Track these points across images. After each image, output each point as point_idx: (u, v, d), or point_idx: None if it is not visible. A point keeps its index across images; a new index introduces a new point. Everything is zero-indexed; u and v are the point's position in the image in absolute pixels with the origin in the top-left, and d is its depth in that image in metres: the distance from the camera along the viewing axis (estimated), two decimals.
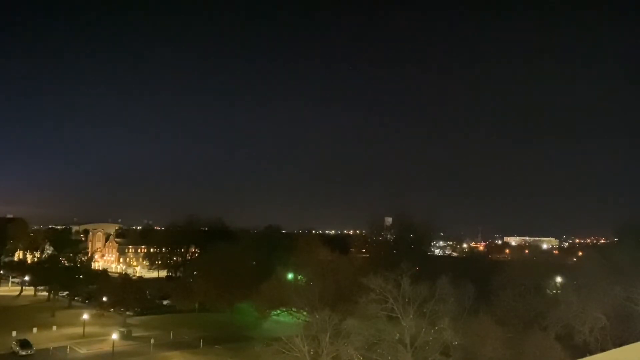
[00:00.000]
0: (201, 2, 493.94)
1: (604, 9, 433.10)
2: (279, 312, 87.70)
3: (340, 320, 52.93)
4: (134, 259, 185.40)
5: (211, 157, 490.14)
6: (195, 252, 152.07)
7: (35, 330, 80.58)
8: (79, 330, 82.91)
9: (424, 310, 52.16)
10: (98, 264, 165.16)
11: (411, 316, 51.35)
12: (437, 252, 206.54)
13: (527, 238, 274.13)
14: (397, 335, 51.40)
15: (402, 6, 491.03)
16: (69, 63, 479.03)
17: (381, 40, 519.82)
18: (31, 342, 71.99)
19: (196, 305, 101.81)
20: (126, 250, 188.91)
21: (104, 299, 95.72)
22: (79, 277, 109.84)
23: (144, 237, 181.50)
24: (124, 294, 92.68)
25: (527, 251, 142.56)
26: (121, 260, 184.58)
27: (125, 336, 79.63)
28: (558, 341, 55.45)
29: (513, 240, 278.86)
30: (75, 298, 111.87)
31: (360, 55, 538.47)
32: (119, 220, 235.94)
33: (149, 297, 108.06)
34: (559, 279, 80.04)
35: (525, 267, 78.59)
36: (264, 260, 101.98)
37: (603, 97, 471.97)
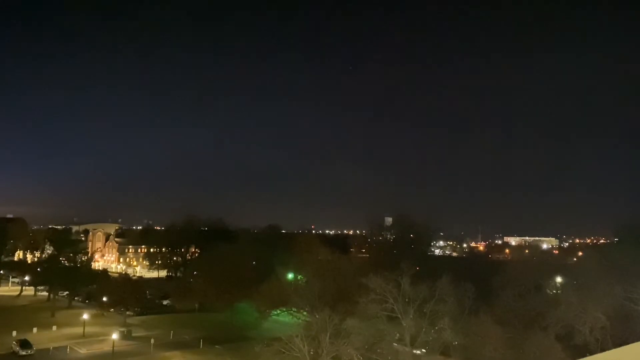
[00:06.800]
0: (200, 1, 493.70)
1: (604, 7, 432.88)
2: (279, 312, 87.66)
3: (340, 320, 52.84)
4: (134, 259, 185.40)
5: (211, 157, 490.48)
6: (195, 252, 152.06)
7: (35, 330, 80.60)
8: (79, 330, 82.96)
9: (424, 310, 52.17)
10: (98, 264, 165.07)
11: (411, 316, 51.39)
12: (437, 252, 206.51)
13: (527, 238, 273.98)
14: (397, 335, 51.40)
15: (403, 6, 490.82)
16: (69, 63, 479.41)
17: (381, 40, 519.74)
18: (31, 342, 72.00)
19: (196, 305, 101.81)
20: (126, 250, 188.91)
21: (104, 299, 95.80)
22: (79, 277, 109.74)
23: (144, 237, 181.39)
24: (124, 294, 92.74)
25: (527, 251, 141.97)
26: (121, 260, 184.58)
27: (125, 336, 79.65)
28: (558, 341, 55.30)
29: (513, 240, 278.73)
30: (75, 298, 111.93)
31: (361, 55, 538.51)
32: (119, 220, 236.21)
33: (149, 297, 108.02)
34: (559, 279, 79.85)
35: (525, 267, 78.30)
36: (264, 260, 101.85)
37: (603, 96, 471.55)
